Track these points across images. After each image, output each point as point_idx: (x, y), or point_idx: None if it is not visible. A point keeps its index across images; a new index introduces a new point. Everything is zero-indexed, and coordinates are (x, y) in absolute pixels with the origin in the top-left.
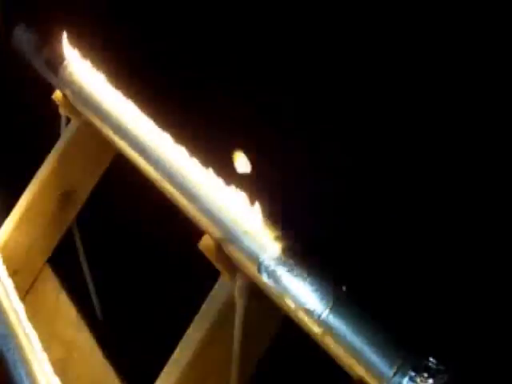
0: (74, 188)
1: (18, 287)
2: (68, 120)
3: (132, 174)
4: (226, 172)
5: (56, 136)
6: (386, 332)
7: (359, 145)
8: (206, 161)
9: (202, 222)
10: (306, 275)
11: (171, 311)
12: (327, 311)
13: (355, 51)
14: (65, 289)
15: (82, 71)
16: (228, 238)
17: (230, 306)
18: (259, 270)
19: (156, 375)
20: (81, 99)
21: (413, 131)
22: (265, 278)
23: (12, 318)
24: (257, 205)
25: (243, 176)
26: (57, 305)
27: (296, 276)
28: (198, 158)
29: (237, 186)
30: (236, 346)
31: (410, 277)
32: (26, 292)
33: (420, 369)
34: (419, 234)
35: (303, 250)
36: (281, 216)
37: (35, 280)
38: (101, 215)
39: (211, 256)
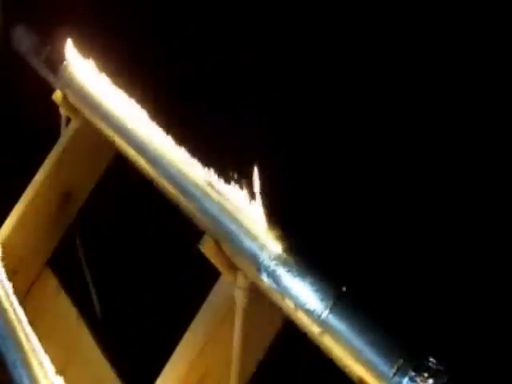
0: (74, 188)
1: (18, 287)
2: (68, 120)
3: (132, 174)
4: (226, 172)
5: (56, 136)
6: (386, 332)
7: (359, 145)
8: (206, 161)
9: (202, 222)
10: (306, 275)
11: (171, 311)
12: (327, 311)
13: (355, 56)
14: (65, 289)
15: (81, 71)
16: (228, 238)
17: (230, 305)
18: (259, 270)
19: (156, 375)
20: (81, 99)
21: (413, 132)
22: (265, 278)
23: (12, 318)
24: (257, 205)
25: (243, 176)
26: (57, 305)
27: (296, 276)
28: (197, 158)
29: (237, 187)
30: (236, 345)
31: (410, 277)
32: (25, 292)
33: (420, 369)
34: (419, 234)
35: (303, 250)
36: (281, 216)
37: (35, 280)
38: (101, 215)
39: (211, 256)
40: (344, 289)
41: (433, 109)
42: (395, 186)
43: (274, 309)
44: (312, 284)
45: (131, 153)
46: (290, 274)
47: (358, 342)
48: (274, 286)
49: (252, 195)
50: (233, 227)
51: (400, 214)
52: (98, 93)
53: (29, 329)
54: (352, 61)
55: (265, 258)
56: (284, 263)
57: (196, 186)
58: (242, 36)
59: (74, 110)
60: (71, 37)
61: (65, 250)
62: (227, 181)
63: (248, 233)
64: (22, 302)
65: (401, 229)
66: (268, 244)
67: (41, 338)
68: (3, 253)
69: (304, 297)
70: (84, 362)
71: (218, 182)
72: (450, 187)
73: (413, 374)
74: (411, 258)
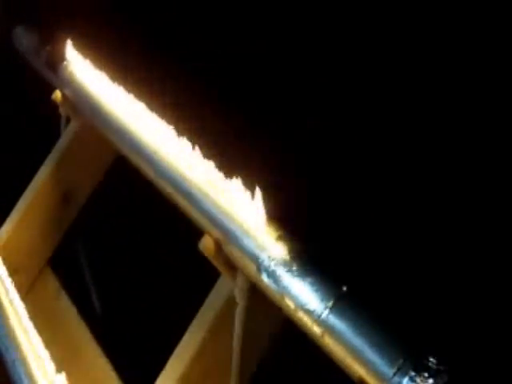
0: (74, 188)
1: (18, 287)
2: (68, 120)
3: (132, 174)
4: (226, 172)
5: (56, 136)
6: (386, 332)
7: (359, 144)
8: (206, 160)
9: (202, 222)
10: (306, 275)
11: (171, 311)
12: (327, 311)
13: (355, 55)
14: (65, 289)
15: (82, 71)
16: (228, 238)
17: (229, 305)
18: (259, 270)
19: (156, 375)
20: (81, 99)
21: (413, 132)
22: (265, 278)
23: (12, 317)
24: (257, 204)
25: (243, 176)
26: (57, 305)
27: (296, 276)
28: (198, 158)
29: (237, 186)
30: (236, 345)
31: (410, 277)
32: (26, 292)
33: (420, 369)
34: (419, 234)
35: (303, 250)
36: (281, 216)
37: (35, 280)
38: (101, 215)
39: (211, 256)
40: (344, 289)
41: (434, 114)
42: (395, 186)
43: (274, 309)
44: (312, 284)
45: (131, 153)
46: (289, 273)
47: (358, 341)
48: (273, 286)
49: (252, 195)
50: (233, 227)
51: (400, 214)
52: (98, 93)
53: (29, 328)
54: (359, 62)
55: (265, 258)
56: (284, 263)
57: (196, 185)
58: (247, 36)
59: (74, 109)
60: (71, 37)
61: (65, 249)
62: (227, 180)
63: (248, 233)
64: (22, 302)
65: (401, 229)
66: (268, 244)
67: (41, 338)
68: (3, 252)
69: (304, 297)
70: (84, 362)
71: (218, 182)
72: (449, 187)
73: (413, 373)
74: (411, 258)
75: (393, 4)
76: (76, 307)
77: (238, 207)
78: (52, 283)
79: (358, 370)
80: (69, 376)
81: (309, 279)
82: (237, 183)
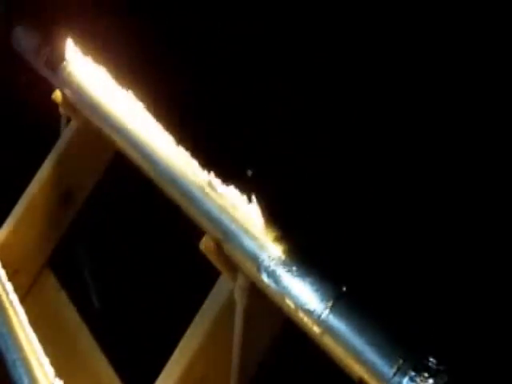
0: (74, 188)
1: (18, 287)
2: (68, 120)
3: (132, 174)
4: (226, 172)
5: (56, 136)
6: (386, 332)
7: (360, 144)
8: (206, 161)
9: (202, 222)
10: (306, 275)
11: (171, 311)
12: (327, 311)
13: (354, 54)
14: (65, 289)
15: (81, 71)
16: (228, 238)
17: (230, 305)
18: (259, 270)
19: (156, 375)
20: (81, 99)
21: (413, 132)
22: (265, 278)
23: (12, 317)
24: (257, 205)
25: (243, 176)
26: (57, 305)
27: (296, 276)
28: (198, 159)
29: (237, 187)
30: (236, 345)
31: (410, 277)
32: (26, 292)
33: (420, 369)
34: (419, 234)
35: (303, 250)
36: (281, 216)
37: (35, 280)
38: (101, 215)
39: (211, 256)
40: (344, 289)
41: (432, 111)
42: (394, 186)
43: (274, 309)
44: (312, 284)
45: (131, 153)
46: (289, 274)
47: (358, 341)
48: (273, 285)
49: (252, 195)
50: (233, 227)
51: (399, 214)
52: (98, 92)
53: (29, 328)
54: (352, 62)
55: (265, 258)
56: (284, 263)
57: (196, 186)
58: (244, 37)
59: (73, 109)
60: (71, 37)
61: (65, 249)
62: (227, 181)
63: (248, 233)
64: (22, 302)
65: (400, 229)
66: (268, 244)
67: (40, 338)
68: (3, 252)
69: (304, 297)
70: (84, 362)
71: (218, 183)
72: (449, 187)
73: (413, 373)
74: (411, 258)
75: (381, 12)
76: (76, 307)
77: (238, 207)
78: (52, 283)
79: (358, 370)
80: (68, 376)
81: (309, 279)
82: (236, 183)
